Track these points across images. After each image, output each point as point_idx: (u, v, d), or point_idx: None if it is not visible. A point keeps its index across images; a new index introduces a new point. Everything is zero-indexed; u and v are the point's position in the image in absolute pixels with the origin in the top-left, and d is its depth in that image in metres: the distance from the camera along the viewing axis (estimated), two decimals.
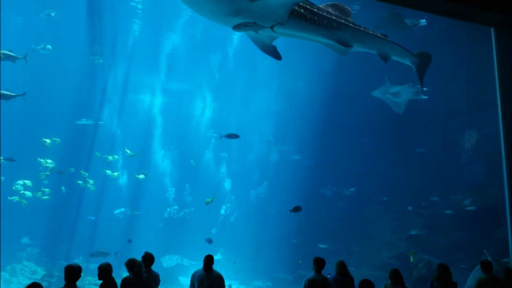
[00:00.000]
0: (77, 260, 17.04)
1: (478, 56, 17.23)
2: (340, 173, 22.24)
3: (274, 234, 20.98)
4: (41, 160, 15.78)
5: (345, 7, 7.87)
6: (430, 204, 20.21)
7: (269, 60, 21.84)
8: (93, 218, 20.13)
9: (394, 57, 8.86)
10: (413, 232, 19.09)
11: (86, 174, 17.92)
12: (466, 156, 20.34)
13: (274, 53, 7.95)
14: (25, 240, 18.56)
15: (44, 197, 16.22)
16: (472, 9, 2.86)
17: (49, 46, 16.18)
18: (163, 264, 18.28)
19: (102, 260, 16.36)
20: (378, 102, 20.70)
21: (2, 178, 16.55)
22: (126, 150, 18.47)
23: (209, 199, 15.92)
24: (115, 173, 18.24)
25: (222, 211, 22.26)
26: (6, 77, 20.17)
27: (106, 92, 22.62)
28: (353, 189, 21.24)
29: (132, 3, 17.97)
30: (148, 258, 6.87)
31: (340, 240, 19.85)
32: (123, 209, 20.95)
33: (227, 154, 24.67)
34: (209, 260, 6.78)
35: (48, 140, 15.28)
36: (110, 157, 18.04)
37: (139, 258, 6.68)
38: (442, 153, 21.23)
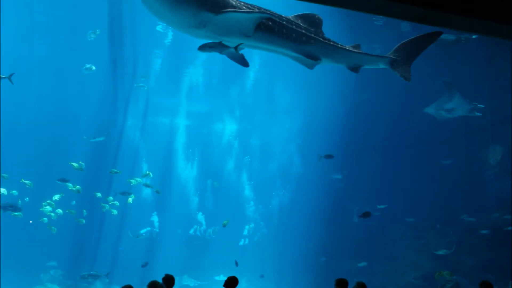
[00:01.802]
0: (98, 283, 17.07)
1: (501, 69, 16.94)
2: (363, 191, 21.96)
3: (297, 253, 20.79)
4: (69, 184, 15.98)
5: (316, 17, 7.71)
6: (457, 222, 19.68)
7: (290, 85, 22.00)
8: (130, 235, 20.20)
9: (366, 66, 8.57)
10: (440, 252, 18.53)
11: (111, 198, 17.98)
12: (492, 173, 19.79)
13: (242, 61, 7.90)
14: (52, 263, 18.62)
15: (80, 219, 16.40)
16: (487, 22, 2.81)
17: (93, 67, 16.66)
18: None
19: (92, 283, 16.57)
20: (400, 121, 20.50)
21: (26, 199, 16.76)
22: (148, 172, 18.49)
23: (225, 222, 16.13)
24: (130, 199, 18.16)
25: (245, 232, 22.27)
26: (33, 98, 20.81)
27: (127, 114, 22.95)
28: (384, 205, 20.67)
29: (157, 28, 18.20)
30: (169, 280, 6.83)
31: (363, 259, 19.46)
32: (148, 229, 21.08)
33: (249, 173, 24.83)
34: (231, 283, 6.29)
35: (75, 164, 15.59)
36: (133, 181, 17.96)
37: (159, 279, 6.66)
38: (466, 169, 20.73)
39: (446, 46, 18.13)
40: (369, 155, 22.16)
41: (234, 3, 6.70)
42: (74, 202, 17.08)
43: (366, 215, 13.26)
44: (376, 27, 17.71)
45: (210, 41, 7.17)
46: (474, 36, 17.04)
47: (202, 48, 7.44)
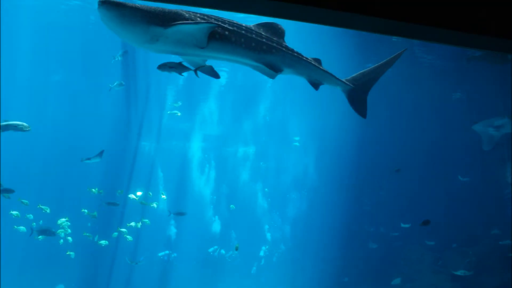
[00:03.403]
0: None
1: None
2: (379, 211, 21.72)
3: (319, 273, 20.58)
4: (85, 210, 16.07)
5: (279, 27, 7.43)
6: (476, 242, 19.23)
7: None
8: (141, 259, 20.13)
9: (326, 84, 8.14)
10: (458, 272, 18.06)
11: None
12: (510, 191, 19.42)
13: (212, 73, 7.78)
14: (60, 286, 18.66)
15: (101, 242, 16.44)
16: (487, 38, 2.79)
17: (122, 83, 16.47)
18: None
19: None
20: (414, 138, 20.32)
21: (40, 222, 16.87)
22: (163, 196, 18.51)
23: (237, 245, 16.08)
24: (139, 224, 18.12)
25: (261, 253, 22.19)
26: (48, 124, 21.21)
27: (141, 136, 23.23)
28: (408, 225, 20.19)
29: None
30: None
31: (379, 282, 19.10)
32: (167, 252, 21.03)
33: (267, 191, 24.96)
34: None
35: (94, 190, 15.74)
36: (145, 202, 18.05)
37: None
38: (484, 187, 20.38)
39: (457, 61, 18.06)
40: (384, 175, 21.98)
41: (187, 15, 6.62)
42: (89, 224, 17.16)
43: (426, 223, 12.94)
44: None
45: (170, 61, 7.14)
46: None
47: (162, 67, 7.44)
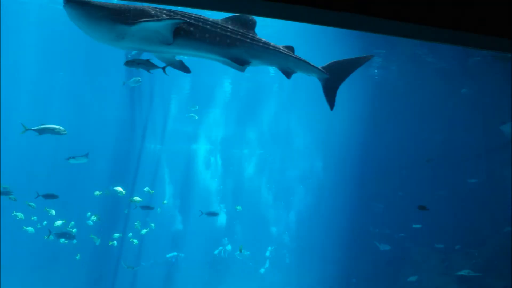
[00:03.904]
0: None
1: None
2: (385, 212, 21.67)
3: (318, 278, 20.53)
4: (91, 214, 16.09)
5: (250, 18, 7.22)
6: (482, 243, 19.12)
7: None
8: (145, 263, 20.14)
9: (299, 72, 7.86)
10: (462, 272, 17.95)
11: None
12: None
13: (182, 68, 7.70)
14: None
15: (113, 242, 16.43)
16: (487, 38, 2.77)
17: (139, 79, 15.94)
18: None
19: None
20: (417, 140, 20.24)
21: (44, 222, 16.89)
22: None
23: (241, 246, 16.05)
24: (144, 230, 18.06)
25: (268, 253, 22.22)
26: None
27: (145, 139, 23.31)
28: (419, 225, 20.07)
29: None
30: None
31: (386, 282, 19.05)
32: (175, 253, 21.03)
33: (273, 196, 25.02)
34: None
35: (97, 192, 15.74)
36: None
37: None
38: (490, 188, 20.27)
39: (462, 60, 18.00)
40: (388, 175, 21.94)
41: (153, 12, 6.59)
42: (91, 223, 17.10)
43: (422, 208, 12.57)
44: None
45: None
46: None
47: (129, 64, 7.54)
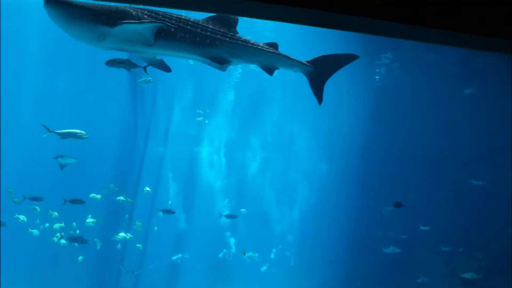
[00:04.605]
0: None
1: None
2: (387, 215, 21.59)
3: (330, 276, 20.54)
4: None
5: (230, 17, 7.18)
6: (486, 246, 19.03)
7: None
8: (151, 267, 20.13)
9: (282, 68, 7.79)
10: (466, 275, 17.87)
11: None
12: None
13: (162, 67, 7.69)
14: None
15: (118, 237, 16.41)
16: (487, 38, 2.74)
17: (150, 79, 15.76)
18: None
19: None
20: (420, 141, 20.20)
21: (46, 224, 16.90)
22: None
23: (244, 249, 16.06)
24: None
25: (272, 255, 22.23)
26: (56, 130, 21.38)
27: (148, 142, 23.33)
28: (427, 227, 19.96)
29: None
30: None
31: (391, 285, 18.98)
32: (180, 255, 21.03)
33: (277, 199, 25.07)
34: None
35: (97, 196, 15.78)
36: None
37: None
38: (494, 190, 20.17)
39: (466, 61, 17.95)
40: (391, 178, 21.89)
41: (134, 13, 6.58)
42: (91, 224, 17.09)
43: (398, 205, 12.30)
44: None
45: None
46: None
47: (110, 63, 7.57)
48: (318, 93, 8.03)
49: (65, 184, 20.36)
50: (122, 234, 16.53)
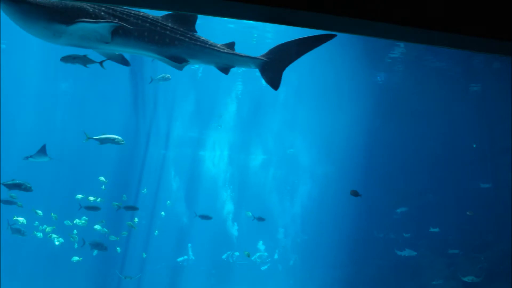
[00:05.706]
0: None
1: None
2: (388, 217, 21.56)
3: (331, 279, 20.54)
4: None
5: (190, 15, 7.13)
6: (488, 248, 18.96)
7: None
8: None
9: (238, 66, 7.78)
10: (467, 278, 17.79)
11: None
12: None
13: (122, 61, 7.72)
14: None
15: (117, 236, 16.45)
16: (487, 40, 2.71)
17: (169, 76, 15.44)
18: None
19: None
20: (420, 143, 20.19)
21: (45, 226, 16.90)
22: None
23: (246, 252, 16.04)
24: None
25: (276, 256, 22.24)
26: (57, 131, 21.43)
27: (149, 145, 23.35)
28: (436, 229, 19.86)
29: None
30: None
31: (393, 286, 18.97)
32: (185, 257, 21.01)
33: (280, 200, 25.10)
34: None
35: (98, 199, 15.76)
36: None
37: None
38: (496, 192, 20.12)
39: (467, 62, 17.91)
40: (392, 179, 21.87)
41: (91, 10, 6.52)
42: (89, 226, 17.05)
43: (355, 193, 12.01)
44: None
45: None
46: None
47: (66, 59, 7.59)
48: (274, 80, 7.89)
49: (67, 187, 20.38)
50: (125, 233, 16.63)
